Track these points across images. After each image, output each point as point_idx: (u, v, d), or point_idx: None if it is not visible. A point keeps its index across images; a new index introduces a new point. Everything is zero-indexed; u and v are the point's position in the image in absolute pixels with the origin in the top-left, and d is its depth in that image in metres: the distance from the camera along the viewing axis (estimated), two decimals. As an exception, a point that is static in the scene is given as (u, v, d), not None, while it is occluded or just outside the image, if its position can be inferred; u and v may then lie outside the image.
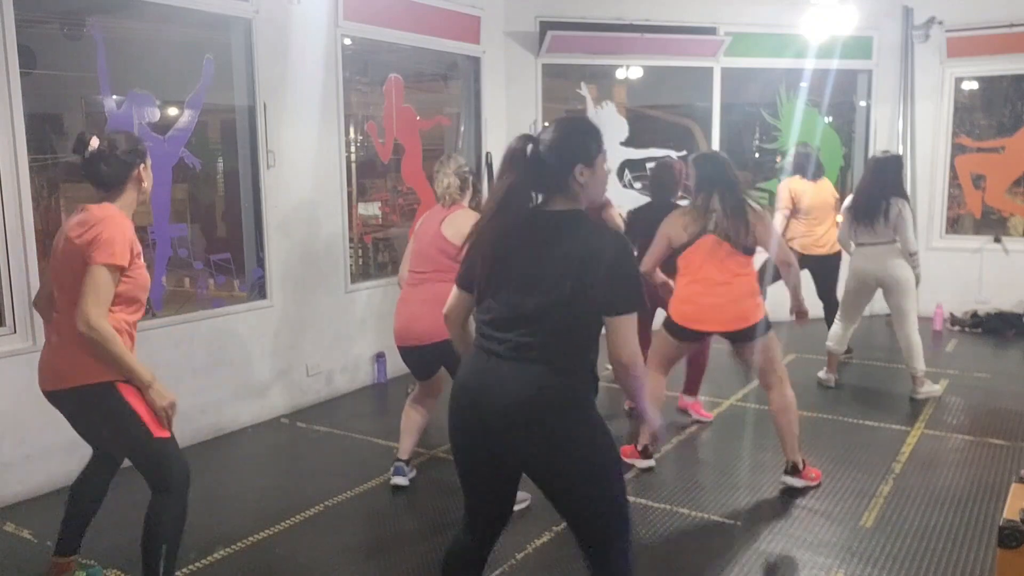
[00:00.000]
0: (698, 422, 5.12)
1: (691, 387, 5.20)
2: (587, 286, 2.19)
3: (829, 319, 6.28)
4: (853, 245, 5.69)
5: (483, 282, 2.33)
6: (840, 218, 5.92)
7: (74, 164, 2.79)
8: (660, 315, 4.48)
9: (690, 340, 4.28)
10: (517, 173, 2.30)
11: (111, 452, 3.09)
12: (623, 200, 6.68)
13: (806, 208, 6.51)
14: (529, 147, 2.31)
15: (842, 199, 8.56)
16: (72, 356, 2.74)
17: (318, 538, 3.63)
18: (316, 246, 5.60)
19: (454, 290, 2.48)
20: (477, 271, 2.35)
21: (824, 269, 6.49)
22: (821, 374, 5.98)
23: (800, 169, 6.66)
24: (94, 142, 2.73)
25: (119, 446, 2.96)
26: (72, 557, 3.16)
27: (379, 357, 6.09)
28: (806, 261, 6.26)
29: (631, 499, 3.99)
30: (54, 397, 2.87)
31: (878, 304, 6.42)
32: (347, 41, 5.80)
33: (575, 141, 2.33)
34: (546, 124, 2.45)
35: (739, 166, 8.21)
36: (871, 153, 8.04)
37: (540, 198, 2.37)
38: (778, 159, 7.02)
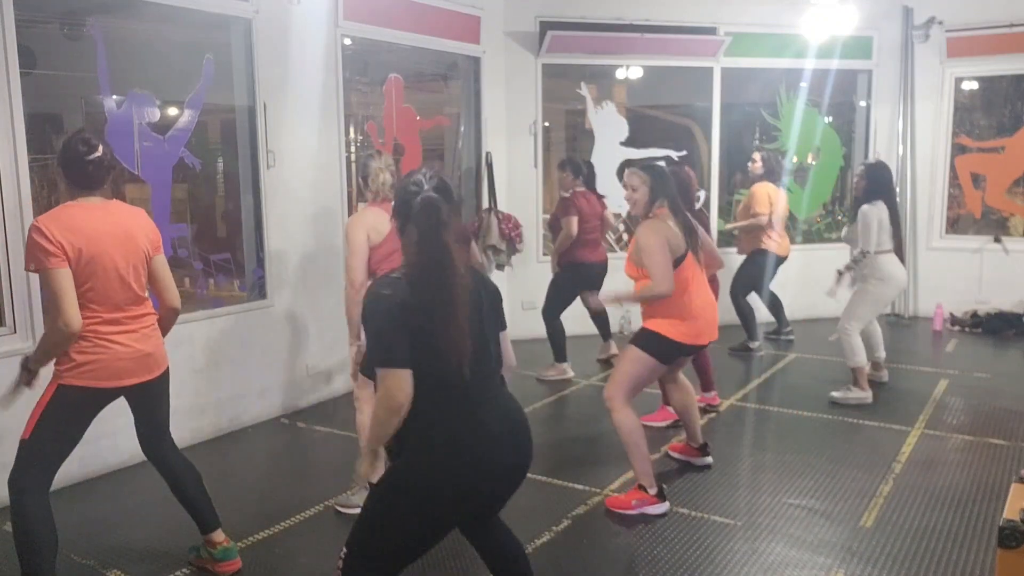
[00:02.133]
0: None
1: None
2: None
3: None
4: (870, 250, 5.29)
5: (459, 340, 2.26)
6: (869, 222, 5.29)
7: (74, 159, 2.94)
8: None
9: (678, 358, 4.07)
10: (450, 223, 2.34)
11: (158, 420, 3.25)
12: (623, 202, 6.65)
13: (781, 214, 6.69)
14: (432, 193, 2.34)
15: (842, 200, 8.58)
16: (160, 339, 3.16)
17: (318, 538, 3.63)
18: (316, 246, 5.60)
19: (404, 375, 2.21)
20: (444, 336, 2.25)
21: (777, 268, 6.83)
22: (839, 394, 5.45)
23: (771, 175, 6.79)
24: (100, 149, 2.94)
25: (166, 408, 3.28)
26: None
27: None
28: (779, 262, 6.76)
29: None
30: (148, 385, 3.07)
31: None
32: (347, 41, 5.80)
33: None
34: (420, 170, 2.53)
35: (739, 167, 8.24)
36: (871, 153, 8.03)
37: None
38: (750, 165, 6.98)
